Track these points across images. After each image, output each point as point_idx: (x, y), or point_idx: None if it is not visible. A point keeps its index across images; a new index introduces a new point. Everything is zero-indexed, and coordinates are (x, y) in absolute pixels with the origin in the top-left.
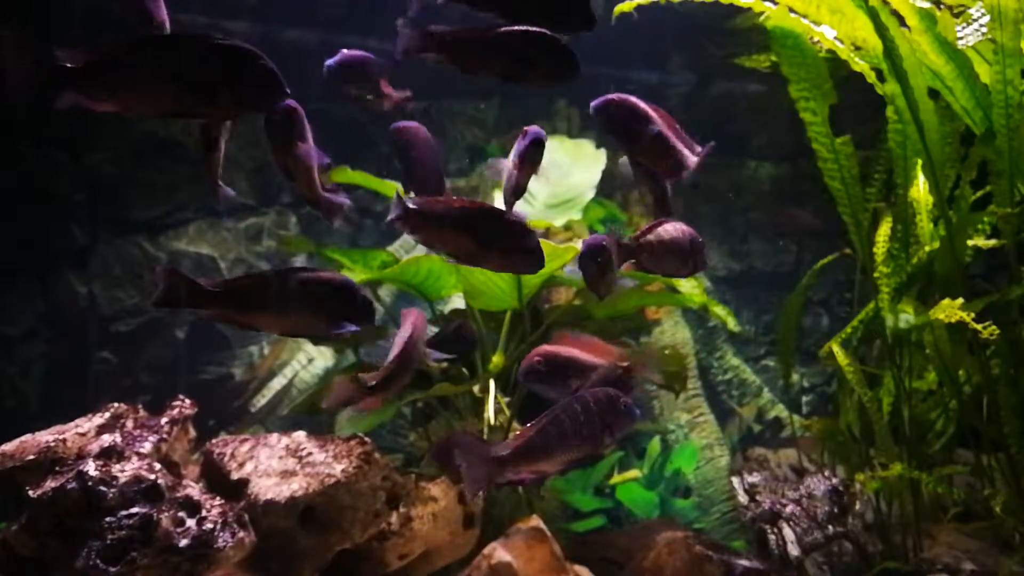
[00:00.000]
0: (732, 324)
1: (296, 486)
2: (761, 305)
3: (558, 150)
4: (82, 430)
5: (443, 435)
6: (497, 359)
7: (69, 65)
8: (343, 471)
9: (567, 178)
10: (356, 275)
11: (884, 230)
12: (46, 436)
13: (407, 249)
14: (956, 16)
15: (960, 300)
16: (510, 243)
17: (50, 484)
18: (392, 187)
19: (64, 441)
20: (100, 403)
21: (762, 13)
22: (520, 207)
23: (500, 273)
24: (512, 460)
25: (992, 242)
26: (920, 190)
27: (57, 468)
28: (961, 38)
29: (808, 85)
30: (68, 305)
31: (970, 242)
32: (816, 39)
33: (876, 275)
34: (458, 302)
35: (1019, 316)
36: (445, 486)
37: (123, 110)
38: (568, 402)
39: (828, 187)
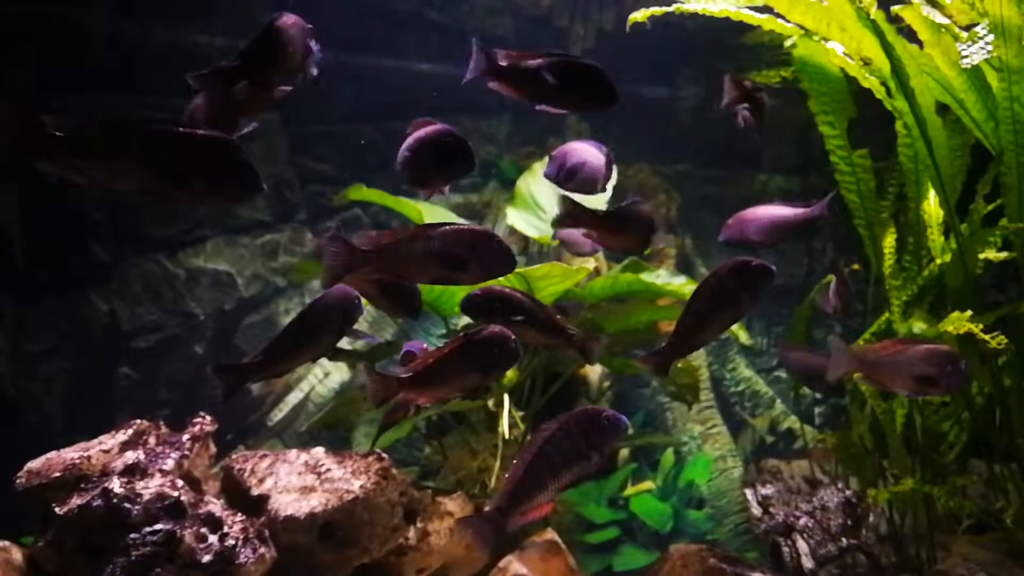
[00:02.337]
0: (744, 338)
1: (315, 502)
2: (772, 317)
3: None
4: (106, 447)
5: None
6: (511, 374)
7: (57, 134)
8: (361, 487)
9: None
10: None
11: (889, 242)
12: (71, 453)
13: None
14: (966, 30)
15: (969, 312)
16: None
17: (76, 501)
18: (406, 204)
19: (89, 458)
20: (122, 419)
21: (762, 28)
22: (533, 223)
23: None
24: (511, 506)
25: (1003, 255)
26: (931, 204)
27: (82, 485)
28: (966, 56)
29: (827, 100)
30: (90, 322)
31: (981, 255)
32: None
33: (887, 287)
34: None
35: None
36: (461, 500)
37: (99, 184)
38: (549, 430)
39: (844, 199)
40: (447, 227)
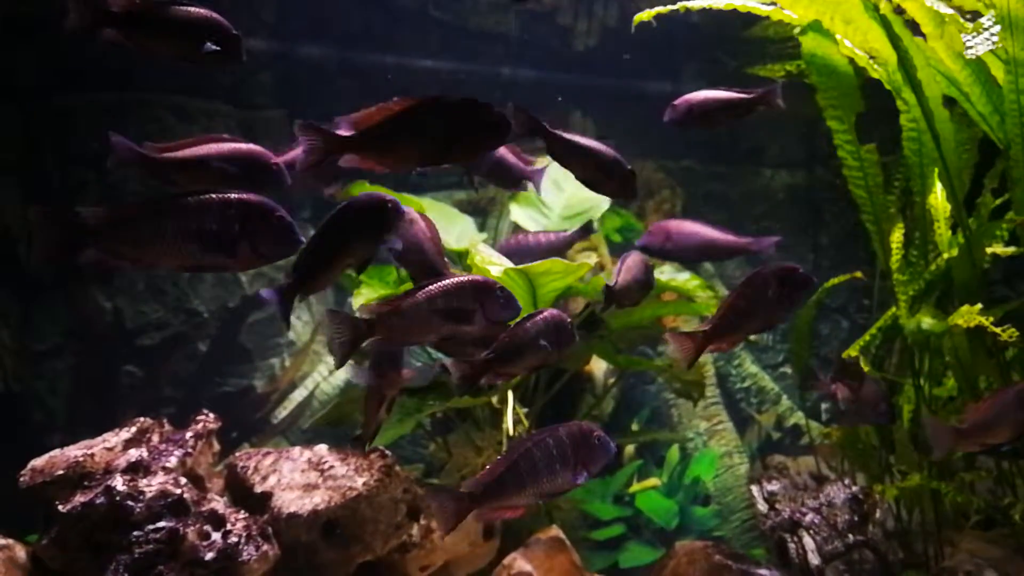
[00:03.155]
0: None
1: (318, 499)
2: None
3: None
4: (109, 445)
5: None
6: None
7: (91, 224)
8: (364, 484)
9: (582, 190)
10: (374, 291)
11: (897, 237)
12: (74, 451)
13: None
14: (972, 20)
15: (979, 306)
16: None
17: (79, 499)
18: (410, 201)
19: (92, 456)
20: (126, 417)
21: (767, 22)
22: (537, 220)
23: (513, 286)
24: (482, 496)
25: (1011, 250)
26: (937, 198)
27: (86, 483)
28: (971, 47)
29: (836, 94)
30: (94, 320)
31: (989, 249)
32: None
33: (894, 282)
34: None
35: None
36: None
37: (144, 266)
38: (540, 436)
39: (852, 195)
40: (447, 283)
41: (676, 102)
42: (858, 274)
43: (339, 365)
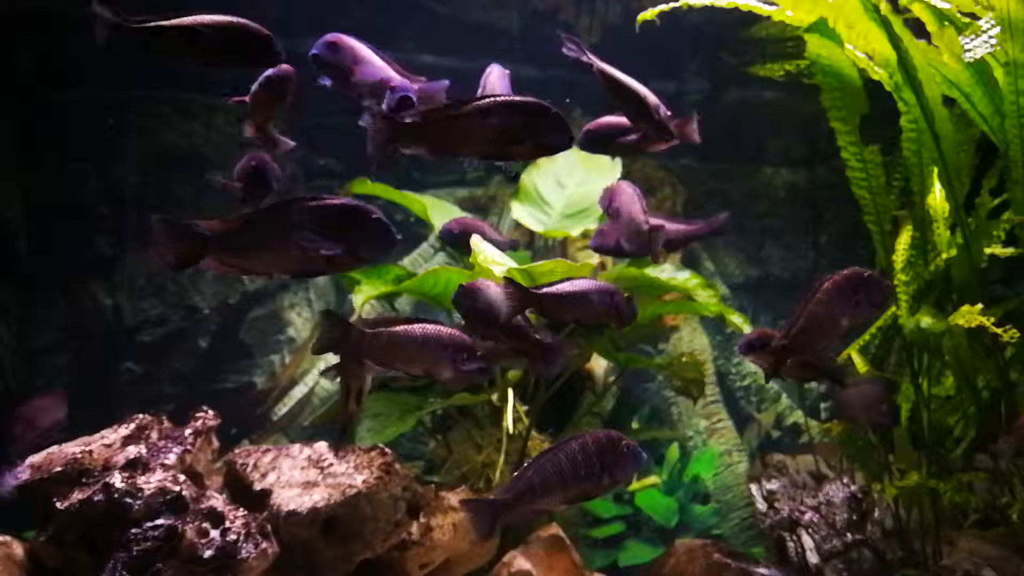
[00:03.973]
0: (748, 332)
1: (318, 497)
2: (778, 311)
3: (574, 160)
4: (108, 441)
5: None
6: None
7: (207, 236)
8: (364, 482)
9: (583, 187)
10: (374, 289)
11: (905, 238)
12: (72, 448)
13: (425, 258)
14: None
15: (980, 306)
16: None
17: (77, 496)
18: (412, 199)
19: (90, 452)
20: (125, 413)
21: (767, 22)
22: (538, 217)
23: None
24: (514, 502)
25: (1009, 251)
26: (936, 198)
27: (83, 480)
28: (969, 50)
29: (840, 95)
30: (93, 316)
31: (987, 250)
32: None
33: (895, 282)
34: None
35: None
36: (465, 495)
37: (255, 272)
38: (567, 442)
39: (855, 195)
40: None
41: (588, 126)
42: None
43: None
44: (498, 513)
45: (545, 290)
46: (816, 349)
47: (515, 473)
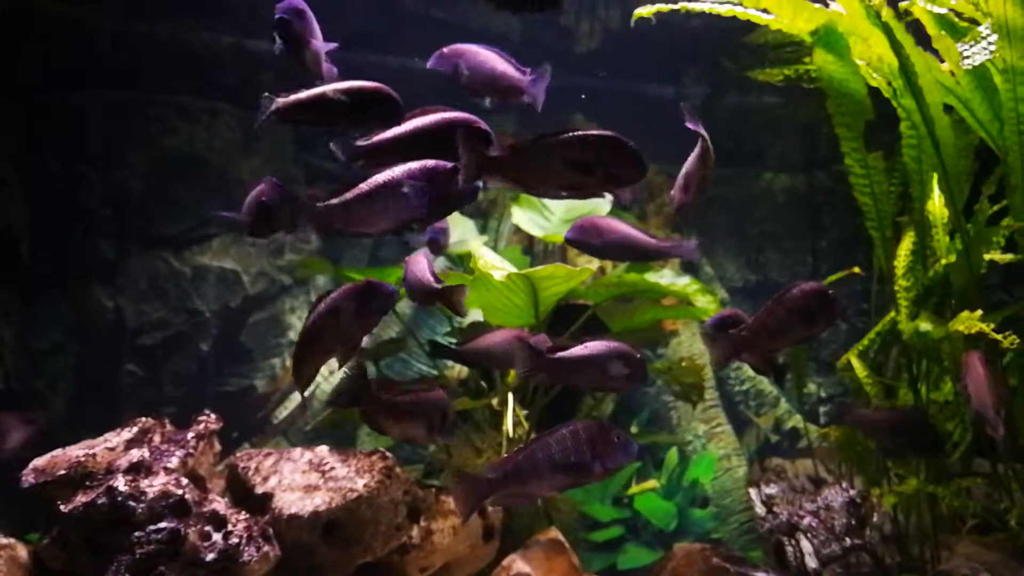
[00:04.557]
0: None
1: (319, 500)
2: None
3: None
4: (111, 444)
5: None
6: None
7: (495, 155)
8: (365, 486)
9: None
10: None
11: (907, 244)
12: (76, 451)
13: None
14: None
15: (980, 312)
16: None
17: (80, 499)
18: None
19: (94, 456)
20: (127, 416)
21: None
22: (538, 222)
23: (515, 291)
24: (502, 482)
25: (1008, 256)
26: (936, 204)
27: (87, 483)
28: (968, 57)
29: (846, 101)
30: (95, 319)
31: (986, 256)
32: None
33: (895, 288)
34: (477, 315)
35: None
36: None
37: (529, 189)
38: (558, 428)
39: (857, 201)
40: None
41: (584, 225)
42: (856, 269)
43: None
44: (484, 491)
45: (559, 355)
46: (769, 350)
47: (505, 455)
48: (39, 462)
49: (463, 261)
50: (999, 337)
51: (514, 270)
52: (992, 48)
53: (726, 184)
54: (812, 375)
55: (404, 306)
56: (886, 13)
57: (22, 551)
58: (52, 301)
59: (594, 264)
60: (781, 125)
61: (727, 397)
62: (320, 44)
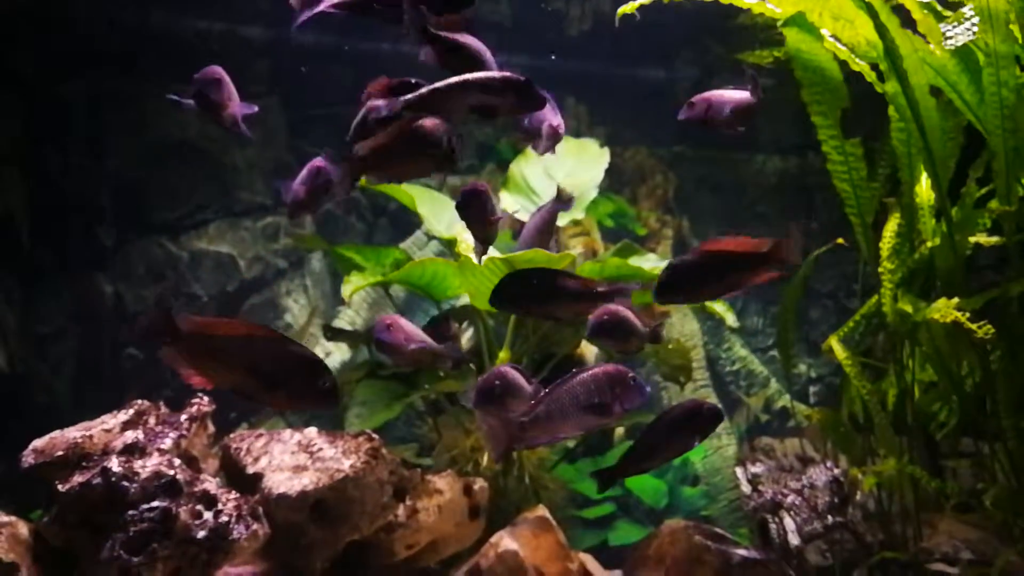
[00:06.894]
0: (731, 320)
1: (307, 480)
2: (769, 297)
3: (563, 150)
4: (108, 427)
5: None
6: (503, 355)
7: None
8: (351, 466)
9: (571, 177)
10: (363, 279)
11: (892, 225)
12: (74, 432)
13: (419, 246)
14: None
15: (956, 300)
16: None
17: (77, 479)
18: (400, 191)
19: (91, 437)
20: (126, 399)
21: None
22: (527, 207)
23: (498, 274)
24: (530, 424)
25: (994, 239)
26: (923, 187)
27: (84, 464)
28: (950, 38)
29: (820, 89)
30: (95, 304)
31: (972, 238)
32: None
33: (880, 270)
34: (466, 300)
35: (1019, 312)
36: (450, 479)
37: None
38: (577, 372)
39: (836, 188)
40: None
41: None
42: (840, 240)
43: None
44: (515, 432)
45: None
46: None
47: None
48: (38, 443)
49: (449, 245)
50: (975, 327)
51: (496, 254)
52: (975, 29)
53: (718, 166)
54: (802, 356)
55: (397, 289)
56: None
57: (23, 529)
58: (53, 287)
59: (578, 250)
60: (773, 107)
61: (718, 377)
62: (237, 107)
